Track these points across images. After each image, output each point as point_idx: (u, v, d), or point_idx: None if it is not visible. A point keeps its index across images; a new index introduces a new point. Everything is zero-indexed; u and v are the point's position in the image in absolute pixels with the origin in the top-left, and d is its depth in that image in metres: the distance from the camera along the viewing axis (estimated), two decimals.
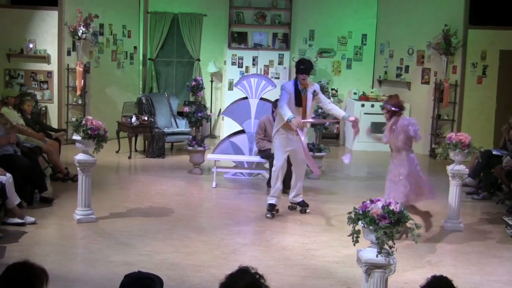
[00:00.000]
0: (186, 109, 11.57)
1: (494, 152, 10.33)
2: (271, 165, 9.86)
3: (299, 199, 9.11)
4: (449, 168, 8.29)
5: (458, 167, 8.22)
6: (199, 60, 15.61)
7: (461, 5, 13.64)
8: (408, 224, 4.64)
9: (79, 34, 13.09)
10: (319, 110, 11.24)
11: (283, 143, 8.65)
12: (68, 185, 9.91)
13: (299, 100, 8.52)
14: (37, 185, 8.82)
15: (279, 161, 8.67)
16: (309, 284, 6.32)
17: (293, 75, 15.22)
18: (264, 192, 9.92)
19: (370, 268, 4.64)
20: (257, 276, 3.40)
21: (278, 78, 15.01)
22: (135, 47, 15.43)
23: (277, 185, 8.71)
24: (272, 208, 8.76)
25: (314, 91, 8.60)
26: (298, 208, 9.10)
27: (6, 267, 3.46)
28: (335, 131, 15.29)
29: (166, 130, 12.94)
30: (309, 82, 8.70)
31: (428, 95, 14.24)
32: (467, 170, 8.43)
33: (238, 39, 15.50)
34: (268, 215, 8.67)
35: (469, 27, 13.65)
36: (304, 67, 8.56)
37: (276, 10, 15.54)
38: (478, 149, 8.53)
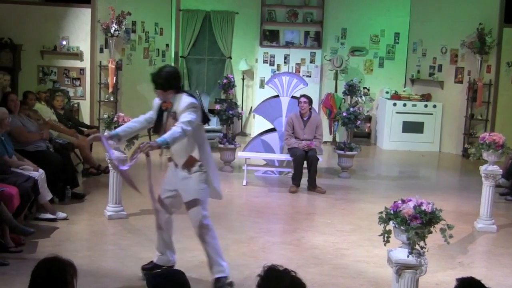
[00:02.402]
0: (217, 106, 11.60)
1: None
2: (294, 162, 10.06)
3: (214, 273, 5.97)
4: (482, 168, 8.18)
5: (491, 168, 8.11)
6: (230, 58, 15.62)
7: (496, 3, 13.44)
8: (440, 225, 4.58)
9: (112, 31, 13.18)
10: (351, 109, 11.18)
11: (168, 178, 6.32)
12: (99, 182, 9.98)
13: (157, 126, 6.07)
14: (69, 181, 8.88)
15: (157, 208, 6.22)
16: (339, 283, 6.27)
17: (325, 73, 15.34)
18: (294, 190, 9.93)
19: (401, 268, 4.59)
20: (291, 272, 3.35)
21: (310, 76, 14.97)
22: (167, 45, 15.49)
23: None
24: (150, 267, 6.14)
25: (174, 111, 5.77)
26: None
27: (37, 263, 3.50)
28: (366, 130, 15.20)
29: None
30: (179, 97, 5.75)
31: (461, 95, 14.08)
32: (500, 170, 8.32)
33: (269, 37, 15.48)
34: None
35: (504, 26, 13.44)
36: (152, 79, 5.76)
37: (308, 8, 15.48)
38: None
